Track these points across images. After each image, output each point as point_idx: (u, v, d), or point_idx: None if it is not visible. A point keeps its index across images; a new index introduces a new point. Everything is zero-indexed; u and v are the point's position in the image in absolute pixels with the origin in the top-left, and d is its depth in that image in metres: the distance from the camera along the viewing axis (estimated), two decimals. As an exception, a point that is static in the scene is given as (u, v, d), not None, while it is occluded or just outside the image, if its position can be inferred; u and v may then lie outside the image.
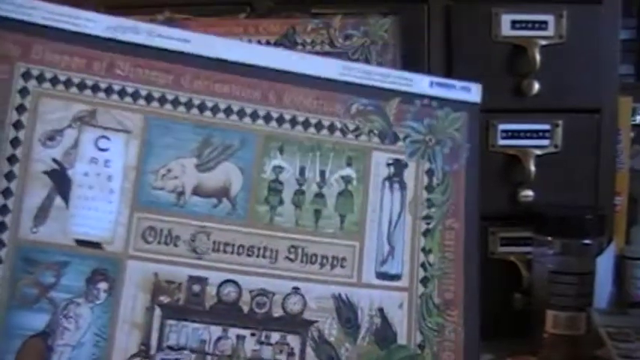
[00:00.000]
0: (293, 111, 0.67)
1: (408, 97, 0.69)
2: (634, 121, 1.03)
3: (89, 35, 0.64)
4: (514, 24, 0.91)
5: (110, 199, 0.63)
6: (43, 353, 0.60)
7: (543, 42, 0.91)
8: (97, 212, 0.63)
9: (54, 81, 0.63)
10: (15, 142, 0.62)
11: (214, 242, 0.64)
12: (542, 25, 0.91)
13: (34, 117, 0.62)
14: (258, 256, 0.65)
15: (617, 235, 0.95)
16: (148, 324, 0.62)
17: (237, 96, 0.65)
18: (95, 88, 0.63)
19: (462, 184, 0.69)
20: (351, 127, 0.68)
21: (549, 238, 0.86)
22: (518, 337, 0.89)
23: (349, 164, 0.67)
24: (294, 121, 0.67)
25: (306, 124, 0.67)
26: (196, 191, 0.65)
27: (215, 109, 0.65)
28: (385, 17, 0.89)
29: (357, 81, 0.69)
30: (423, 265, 0.67)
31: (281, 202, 0.66)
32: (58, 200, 0.63)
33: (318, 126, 0.67)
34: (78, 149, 0.63)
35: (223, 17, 0.89)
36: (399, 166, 0.68)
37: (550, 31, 0.92)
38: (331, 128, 0.67)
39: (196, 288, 0.64)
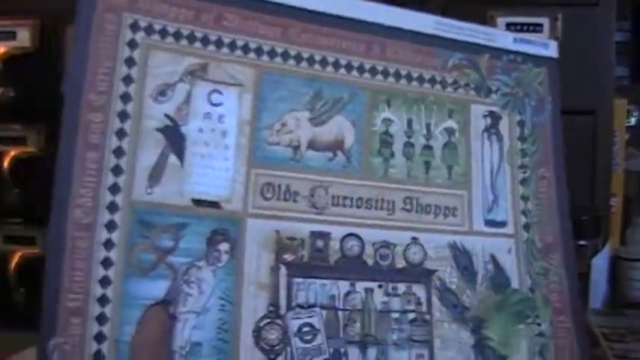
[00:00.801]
0: (396, 64, 0.67)
1: (497, 53, 0.71)
2: (629, 122, 1.04)
3: None
4: (509, 26, 0.92)
5: (226, 156, 0.61)
6: (165, 322, 0.57)
7: (538, 44, 0.91)
8: (213, 170, 0.60)
9: (163, 33, 0.60)
10: (125, 98, 0.59)
11: (333, 196, 0.63)
12: (538, 27, 0.92)
13: (144, 71, 0.59)
14: (376, 209, 0.65)
15: (612, 237, 0.96)
16: (275, 284, 0.60)
17: (344, 49, 0.65)
18: (205, 41, 0.61)
19: (549, 135, 0.72)
20: (449, 80, 0.69)
21: (545, 240, 0.87)
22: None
23: (450, 116, 0.68)
24: (397, 75, 0.67)
25: (409, 78, 0.67)
26: (311, 145, 0.64)
27: (323, 63, 0.64)
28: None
29: (450, 36, 0.70)
30: (523, 212, 0.69)
31: (392, 154, 0.66)
32: (173, 159, 0.59)
33: (420, 79, 0.68)
34: (190, 104, 0.60)
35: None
36: (494, 117, 0.70)
37: (545, 34, 0.92)
38: (432, 81, 0.68)
39: (319, 243, 0.63)
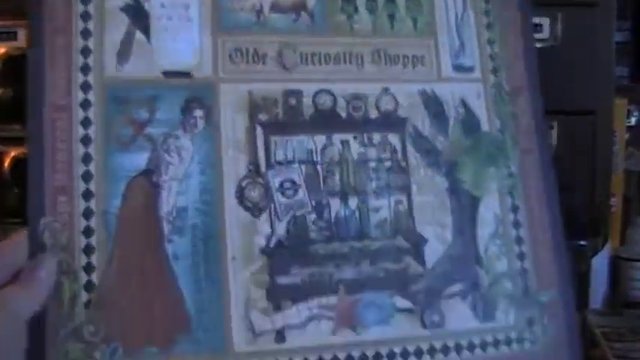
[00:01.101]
0: None
1: None
2: (629, 122, 1.04)
3: None
4: (509, 26, 0.92)
5: (191, 28, 0.63)
6: (150, 191, 0.60)
7: (538, 44, 0.91)
8: (180, 43, 0.62)
9: None
10: None
11: (301, 54, 0.65)
12: (538, 27, 0.92)
13: None
14: (345, 63, 0.66)
15: (612, 236, 0.96)
16: (253, 144, 0.62)
17: None
18: None
19: None
20: None
21: (545, 239, 0.87)
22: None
23: None
24: None
25: None
26: (274, 8, 0.65)
27: None
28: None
29: None
30: (490, 56, 0.70)
31: (356, 10, 0.67)
32: (139, 35, 0.62)
33: None
34: None
35: None
36: None
37: (545, 34, 0.92)
38: None
39: (292, 101, 0.64)
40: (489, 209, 0.67)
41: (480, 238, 0.66)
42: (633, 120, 1.06)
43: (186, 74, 0.62)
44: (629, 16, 1.24)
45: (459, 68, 0.69)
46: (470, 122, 0.68)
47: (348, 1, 0.67)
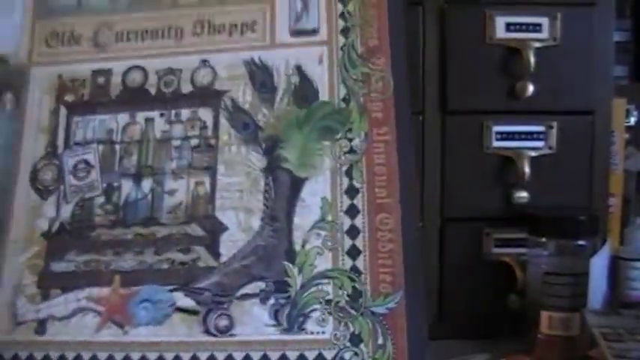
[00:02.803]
0: None
1: None
2: (628, 122, 1.04)
3: None
4: (508, 26, 0.92)
5: (11, 15, 0.63)
6: None
7: (537, 44, 0.91)
8: (0, 29, 0.63)
9: None
10: None
11: (117, 33, 0.63)
12: (537, 27, 0.92)
13: None
14: (163, 38, 0.64)
15: (612, 236, 0.96)
16: (54, 125, 0.61)
17: None
18: None
19: None
20: None
21: (544, 239, 0.87)
22: (513, 338, 0.89)
23: None
24: None
25: None
26: None
27: None
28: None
29: None
30: (342, 15, 0.64)
31: None
32: None
33: None
34: None
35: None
36: None
37: (544, 33, 0.92)
38: None
39: (101, 80, 0.63)
40: (316, 193, 0.58)
41: (297, 228, 0.57)
42: (632, 120, 1.05)
43: (2, 60, 0.62)
44: (628, 16, 1.24)
45: (298, 32, 0.63)
46: (304, 92, 0.62)
47: None
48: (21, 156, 0.60)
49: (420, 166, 0.92)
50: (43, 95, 0.61)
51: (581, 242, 0.86)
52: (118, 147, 0.61)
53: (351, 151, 0.59)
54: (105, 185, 0.60)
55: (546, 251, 0.86)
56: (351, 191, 0.59)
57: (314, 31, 0.63)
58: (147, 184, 0.60)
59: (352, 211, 0.58)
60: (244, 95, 0.62)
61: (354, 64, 0.62)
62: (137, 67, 0.63)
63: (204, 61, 0.63)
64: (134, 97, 0.62)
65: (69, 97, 0.62)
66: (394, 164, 0.60)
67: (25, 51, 0.62)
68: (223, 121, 0.62)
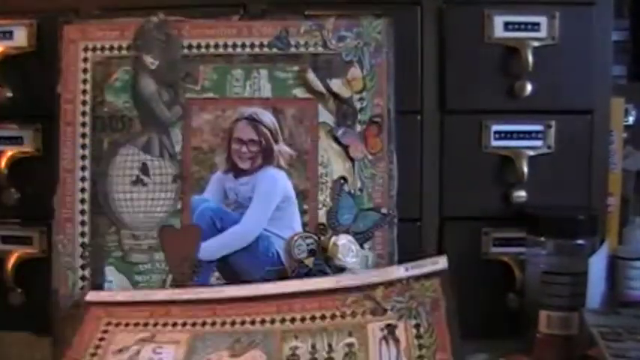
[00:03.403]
0: (302, 313, 0.80)
1: (390, 283, 0.81)
2: (626, 121, 1.04)
3: None
4: (507, 25, 0.92)
5: None
6: None
7: (536, 43, 0.91)
8: None
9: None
10: None
11: None
12: (535, 26, 0.92)
13: None
14: None
15: (610, 236, 0.96)
16: None
17: (259, 312, 0.81)
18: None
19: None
20: (348, 312, 0.79)
21: (542, 239, 0.87)
22: (512, 337, 0.89)
23: (350, 334, 0.77)
24: (303, 319, 0.79)
25: (312, 318, 0.79)
26: None
27: (243, 323, 0.80)
28: (378, 19, 0.89)
29: (349, 284, 0.82)
30: None
31: None
32: None
33: (322, 317, 0.79)
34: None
35: (217, 19, 0.90)
36: (391, 327, 0.77)
37: (543, 33, 0.92)
38: (333, 317, 0.79)
39: None
40: None
41: None
42: (631, 119, 1.05)
43: None
44: (626, 15, 1.24)
45: None
46: None
47: None
48: None
49: (418, 165, 0.93)
50: None
51: (579, 242, 0.86)
52: None
53: None
54: None
55: (545, 251, 0.87)
56: None
57: None
58: None
59: None
60: None
61: None
62: None
63: None
64: None
65: None
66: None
67: None
68: None
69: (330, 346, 0.76)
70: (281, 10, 0.91)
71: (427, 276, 0.81)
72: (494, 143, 0.93)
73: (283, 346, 0.76)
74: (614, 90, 0.96)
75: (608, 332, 0.76)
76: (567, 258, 0.85)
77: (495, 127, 0.93)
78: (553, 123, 0.93)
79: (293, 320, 0.79)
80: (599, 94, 0.94)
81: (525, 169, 0.92)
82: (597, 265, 0.86)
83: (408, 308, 0.78)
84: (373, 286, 0.81)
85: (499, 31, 0.92)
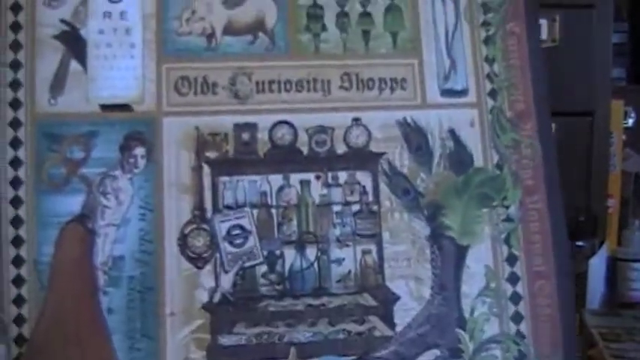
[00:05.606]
0: None
1: None
2: (626, 124, 1.04)
3: None
4: (507, 28, 0.92)
5: (132, 54, 0.56)
6: (84, 238, 0.54)
7: (536, 46, 0.91)
8: (120, 71, 0.56)
9: None
10: (15, 7, 0.56)
11: (257, 82, 0.57)
12: (536, 29, 0.92)
13: None
14: (309, 90, 0.58)
15: (610, 237, 0.96)
16: (198, 185, 0.55)
17: None
18: None
19: None
20: None
21: (542, 240, 0.87)
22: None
23: None
24: None
25: None
26: (228, 30, 0.58)
27: None
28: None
29: None
30: (488, 77, 0.60)
31: (324, 28, 0.59)
32: (75, 65, 0.56)
33: None
34: (88, 5, 0.56)
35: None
36: None
37: (543, 36, 0.92)
38: None
39: (245, 136, 0.56)
40: (479, 261, 0.57)
41: (465, 296, 0.57)
42: (630, 121, 1.06)
43: (126, 107, 0.56)
44: (626, 18, 1.25)
45: (448, 92, 0.59)
46: (460, 157, 0.58)
47: (316, 18, 0.59)
48: (164, 218, 0.54)
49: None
50: (180, 150, 0.55)
51: (579, 243, 0.86)
52: (274, 211, 0.56)
53: (508, 219, 0.58)
54: (266, 253, 0.56)
55: (545, 252, 0.87)
56: (511, 259, 0.58)
57: (463, 92, 0.59)
58: (311, 252, 0.56)
59: (513, 279, 0.58)
60: (401, 158, 0.58)
61: (504, 129, 0.60)
62: (284, 122, 0.57)
63: (357, 120, 0.58)
64: (285, 157, 0.57)
65: (211, 154, 0.56)
66: (548, 233, 0.59)
67: (152, 98, 0.56)
68: (382, 187, 0.57)
69: None
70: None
71: None
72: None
73: None
74: (614, 92, 0.97)
75: (608, 333, 0.77)
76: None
77: (496, 129, 0.93)
78: (553, 125, 0.93)
79: None
80: (598, 96, 0.94)
81: (525, 171, 0.92)
82: (597, 267, 0.86)
83: None
84: None
85: (499, 33, 0.92)
